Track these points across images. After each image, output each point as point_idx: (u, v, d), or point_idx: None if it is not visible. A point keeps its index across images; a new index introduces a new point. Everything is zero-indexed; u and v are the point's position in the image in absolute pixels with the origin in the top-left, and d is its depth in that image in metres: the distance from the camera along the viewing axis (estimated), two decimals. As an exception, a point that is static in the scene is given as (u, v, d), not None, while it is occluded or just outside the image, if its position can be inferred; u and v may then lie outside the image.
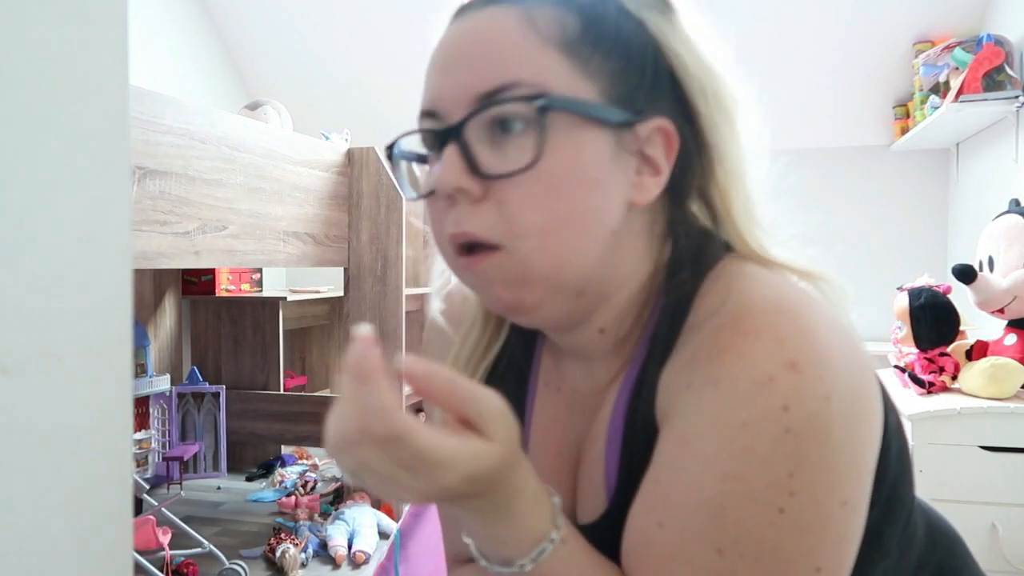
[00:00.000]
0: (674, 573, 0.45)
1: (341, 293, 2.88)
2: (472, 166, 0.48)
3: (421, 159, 0.55)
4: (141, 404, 2.81)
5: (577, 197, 0.47)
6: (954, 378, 2.00)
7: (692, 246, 0.53)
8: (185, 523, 2.15)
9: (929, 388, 1.96)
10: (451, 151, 0.48)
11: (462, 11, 0.53)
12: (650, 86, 0.50)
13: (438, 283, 0.66)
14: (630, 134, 0.49)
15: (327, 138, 2.64)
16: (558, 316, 0.52)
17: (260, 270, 3.36)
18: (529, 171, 0.46)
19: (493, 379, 0.63)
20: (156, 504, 2.16)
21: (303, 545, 2.24)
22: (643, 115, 0.50)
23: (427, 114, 0.52)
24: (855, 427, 0.45)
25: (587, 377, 0.58)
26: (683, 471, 0.46)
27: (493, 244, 0.48)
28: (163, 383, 2.88)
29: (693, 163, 0.53)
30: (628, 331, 0.54)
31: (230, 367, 3.16)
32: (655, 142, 0.51)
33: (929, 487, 1.78)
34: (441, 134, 0.50)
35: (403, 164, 0.56)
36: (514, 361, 0.63)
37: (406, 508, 1.35)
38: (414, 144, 0.55)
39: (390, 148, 0.56)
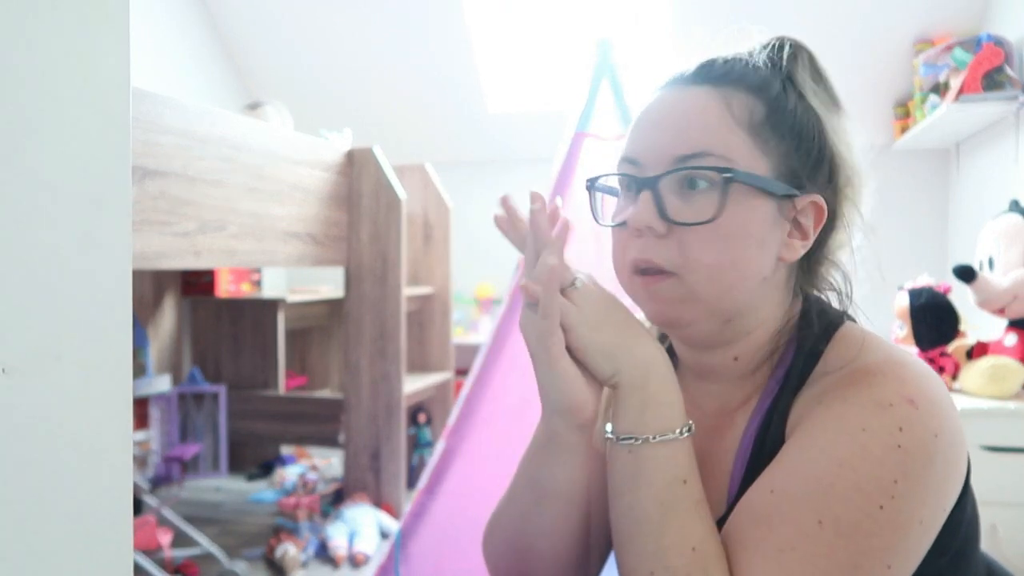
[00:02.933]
0: (773, 530, 0.53)
1: (341, 293, 2.88)
2: (662, 211, 0.60)
3: (612, 192, 0.68)
4: (141, 404, 2.81)
5: (741, 247, 0.60)
6: (954, 378, 2.00)
7: (818, 305, 0.66)
8: (185, 523, 2.15)
9: (929, 388, 1.95)
10: (647, 196, 0.61)
11: (673, 82, 0.65)
12: (813, 168, 0.62)
13: None
14: (789, 204, 0.61)
15: (327, 138, 2.64)
16: (703, 335, 0.65)
17: (260, 270, 3.35)
18: (709, 224, 0.59)
19: None
20: (156, 504, 2.16)
21: (303, 545, 2.24)
22: (803, 190, 0.61)
23: (629, 160, 0.64)
24: (949, 467, 0.54)
25: (715, 399, 0.68)
26: (803, 454, 0.55)
27: (669, 271, 0.60)
28: (163, 383, 2.88)
29: (829, 235, 0.65)
30: (758, 364, 0.65)
31: (230, 367, 3.16)
32: (808, 213, 0.63)
33: (929, 487, 1.77)
34: (640, 181, 0.62)
35: (599, 195, 0.69)
36: None
37: (407, 508, 1.35)
38: (611, 180, 0.67)
39: (592, 180, 0.68)
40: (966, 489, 0.59)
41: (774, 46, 0.65)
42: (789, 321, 0.65)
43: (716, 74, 0.63)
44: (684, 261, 0.60)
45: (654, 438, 0.57)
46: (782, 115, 0.61)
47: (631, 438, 0.57)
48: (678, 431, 0.57)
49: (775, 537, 0.53)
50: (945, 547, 0.57)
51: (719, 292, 0.60)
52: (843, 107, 0.66)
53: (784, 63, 0.64)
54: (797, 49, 0.65)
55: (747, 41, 0.67)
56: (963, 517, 0.59)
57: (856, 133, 0.66)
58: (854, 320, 0.66)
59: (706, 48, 0.66)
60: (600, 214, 0.68)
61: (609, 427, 0.60)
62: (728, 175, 0.58)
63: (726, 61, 0.64)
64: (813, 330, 0.63)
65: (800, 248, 0.63)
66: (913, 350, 2.04)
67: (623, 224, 0.63)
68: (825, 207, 0.63)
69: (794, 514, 0.53)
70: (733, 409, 0.67)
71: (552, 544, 0.67)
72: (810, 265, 0.67)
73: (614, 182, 0.67)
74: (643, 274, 0.62)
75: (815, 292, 0.68)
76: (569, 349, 0.59)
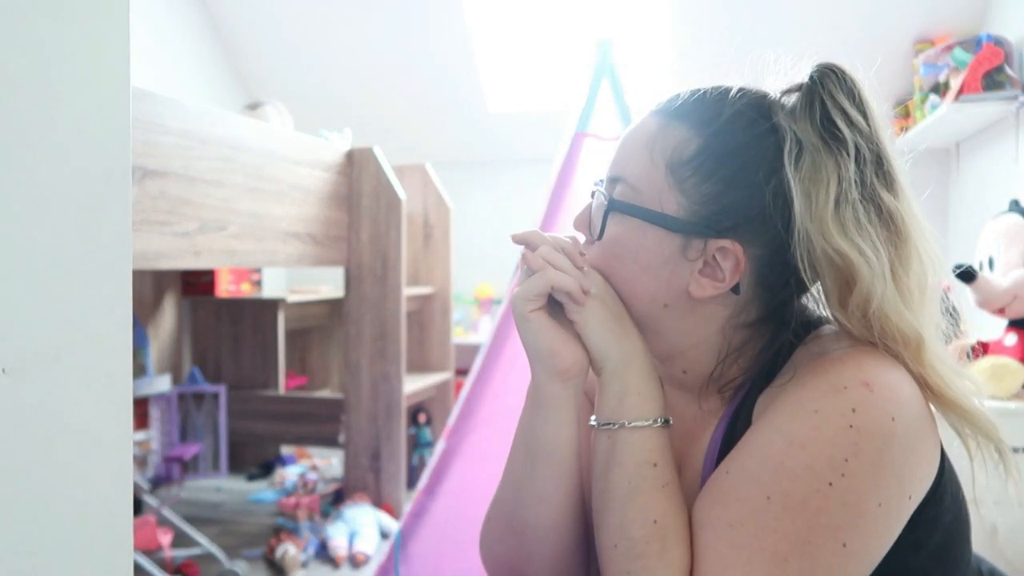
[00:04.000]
0: (726, 508, 0.55)
1: (341, 293, 2.88)
2: (587, 219, 0.69)
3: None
4: (141, 404, 2.81)
5: (624, 268, 0.65)
6: (954, 378, 2.00)
7: (785, 339, 0.65)
8: (185, 523, 2.15)
9: (929, 388, 1.95)
10: (590, 204, 0.70)
11: (651, 109, 0.68)
12: (749, 216, 0.61)
13: None
14: (698, 242, 0.62)
15: (326, 138, 2.64)
16: None
17: (260, 270, 3.35)
18: (598, 240, 0.66)
19: None
20: (156, 504, 2.16)
21: (303, 545, 2.24)
22: (721, 234, 0.61)
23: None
24: (909, 452, 0.55)
25: (688, 404, 0.70)
26: (758, 436, 0.58)
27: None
28: (163, 383, 2.88)
29: (788, 281, 0.64)
30: (707, 377, 0.67)
31: (230, 367, 3.16)
32: (726, 256, 0.62)
33: (929, 487, 1.77)
34: (593, 192, 0.70)
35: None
36: None
37: (407, 508, 1.35)
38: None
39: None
40: (942, 484, 0.59)
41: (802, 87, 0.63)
42: (744, 349, 0.65)
43: (673, 107, 0.65)
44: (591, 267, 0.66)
45: (629, 423, 0.61)
46: (717, 159, 0.61)
47: (610, 423, 0.62)
48: (651, 420, 0.61)
49: (726, 514, 0.55)
50: (922, 542, 0.58)
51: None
52: (875, 147, 0.61)
53: (782, 109, 0.63)
54: (820, 85, 0.61)
55: (775, 71, 0.66)
56: (940, 511, 0.59)
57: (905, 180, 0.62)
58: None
59: (719, 75, 0.68)
60: None
61: (594, 417, 0.65)
62: (607, 204, 0.65)
63: (694, 94, 0.65)
64: (780, 338, 0.64)
65: (711, 288, 0.62)
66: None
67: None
68: (743, 258, 0.61)
69: (745, 491, 0.55)
70: (706, 413, 0.69)
71: (548, 512, 0.67)
72: (775, 308, 0.65)
73: None
74: None
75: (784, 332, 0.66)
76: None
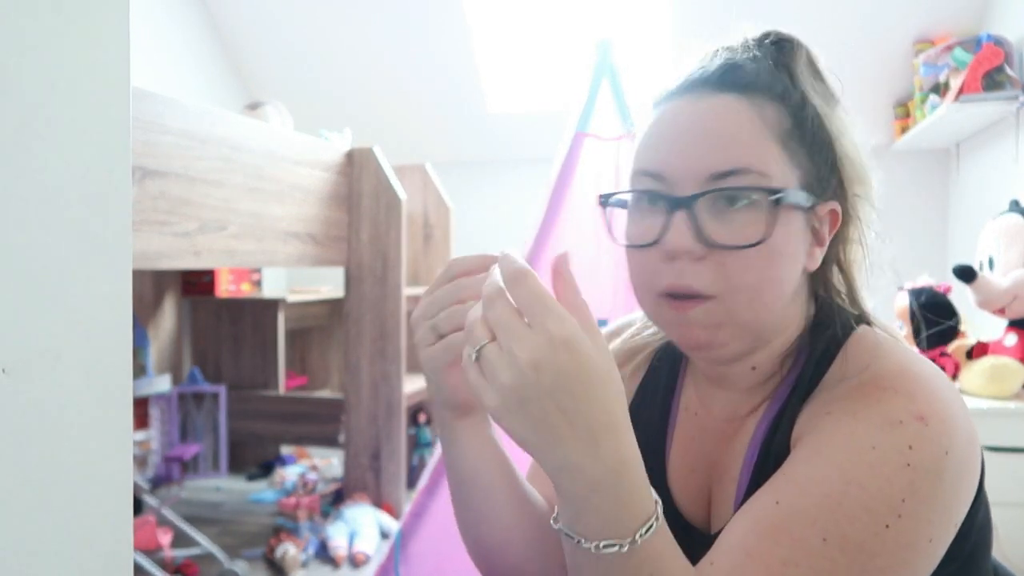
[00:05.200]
0: (778, 543, 0.51)
1: (341, 293, 2.88)
2: (699, 234, 0.57)
3: (624, 205, 0.64)
4: (141, 404, 2.81)
5: (782, 265, 0.58)
6: (954, 378, 2.00)
7: (832, 308, 0.63)
8: (185, 523, 2.15)
9: (929, 388, 1.95)
10: (682, 218, 0.57)
11: (693, 89, 0.60)
12: (828, 173, 0.61)
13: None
14: (813, 214, 0.60)
15: (327, 138, 2.64)
16: (732, 354, 0.62)
17: (260, 270, 3.35)
18: (755, 247, 0.56)
19: (642, 402, 0.73)
20: (156, 504, 2.16)
21: (303, 545, 2.24)
22: (822, 198, 0.60)
23: (652, 175, 0.60)
24: (959, 483, 0.53)
25: (727, 405, 0.67)
26: (810, 468, 0.53)
27: (708, 295, 0.57)
28: (163, 383, 2.88)
29: (840, 237, 0.63)
30: (773, 372, 0.64)
31: (230, 367, 3.16)
32: (825, 219, 0.61)
33: (929, 487, 1.77)
34: (673, 201, 0.58)
35: (614, 211, 0.65)
36: (659, 387, 0.73)
37: (407, 508, 1.35)
38: (624, 193, 0.63)
39: (607, 197, 0.64)
40: (979, 496, 0.58)
41: (774, 42, 0.63)
42: (804, 327, 0.64)
43: (744, 80, 0.59)
44: (726, 284, 0.57)
45: (595, 549, 0.48)
46: (805, 124, 0.59)
47: (571, 536, 0.49)
48: (622, 545, 0.47)
49: (779, 550, 0.51)
50: (955, 555, 0.56)
51: (757, 313, 0.58)
52: (840, 101, 0.64)
53: (789, 63, 0.62)
54: (795, 46, 0.63)
55: (738, 36, 0.64)
56: (974, 524, 0.58)
57: (856, 127, 0.64)
58: (869, 323, 0.64)
59: (699, 46, 0.64)
60: (614, 230, 0.64)
61: (555, 520, 0.51)
62: (778, 196, 0.56)
63: (753, 63, 0.60)
64: (826, 335, 0.62)
65: (820, 255, 0.62)
66: (913, 350, 2.04)
67: (651, 244, 0.59)
68: (840, 212, 0.62)
69: (800, 530, 0.51)
70: (744, 415, 0.65)
71: (491, 531, 0.66)
72: (821, 268, 0.64)
73: (628, 195, 0.63)
74: (676, 298, 0.58)
75: (827, 295, 0.66)
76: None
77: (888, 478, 0.51)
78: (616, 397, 0.46)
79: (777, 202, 0.56)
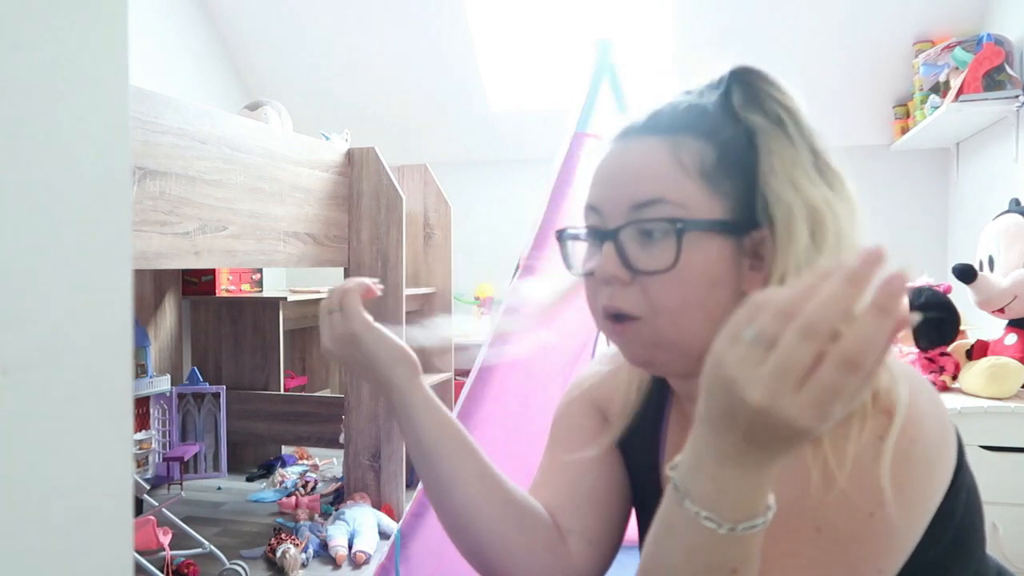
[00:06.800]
0: (773, 537, 0.53)
1: (341, 293, 2.88)
2: (625, 261, 0.62)
3: (577, 239, 0.71)
4: (141, 404, 2.81)
5: (702, 289, 0.61)
6: (954, 378, 2.00)
7: None
8: (185, 523, 2.15)
9: (929, 388, 1.95)
10: (609, 248, 0.63)
11: (625, 135, 0.67)
12: (763, 199, 0.62)
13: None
14: (748, 239, 0.62)
15: (327, 138, 2.64)
16: (678, 370, 0.66)
17: (260, 270, 3.35)
18: (668, 271, 0.60)
19: (641, 419, 0.77)
20: (157, 504, 2.16)
21: (303, 545, 2.24)
22: (755, 226, 0.61)
23: (592, 208, 0.67)
24: (930, 470, 0.57)
25: None
26: (794, 464, 0.55)
27: (635, 316, 0.62)
28: (163, 383, 2.88)
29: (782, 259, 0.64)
30: None
31: (230, 367, 3.16)
32: (766, 243, 0.62)
33: (929, 487, 1.77)
34: (601, 233, 0.65)
35: (569, 243, 0.71)
36: (650, 405, 0.77)
37: (407, 508, 1.35)
38: (576, 229, 0.70)
39: (561, 232, 0.71)
40: (958, 479, 0.60)
41: (730, 81, 0.65)
42: None
43: (664, 123, 0.64)
44: (649, 306, 0.61)
45: (727, 528, 0.47)
46: (733, 156, 0.62)
47: (697, 512, 0.48)
48: (759, 521, 0.48)
49: (778, 544, 0.55)
50: (938, 537, 0.59)
51: (684, 334, 0.61)
52: (802, 132, 0.63)
53: (734, 103, 0.64)
54: (746, 85, 0.65)
55: (703, 78, 0.67)
56: (955, 506, 0.61)
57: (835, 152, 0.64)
58: None
59: (658, 94, 0.68)
60: (572, 262, 0.71)
61: (674, 467, 0.51)
62: (679, 225, 0.60)
63: (674, 109, 0.65)
64: None
65: (759, 282, 0.62)
66: (913, 350, 2.05)
67: (590, 272, 0.66)
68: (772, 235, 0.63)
69: (795, 521, 0.55)
70: None
71: (464, 499, 0.72)
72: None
73: (581, 231, 0.70)
74: (614, 320, 0.64)
75: None
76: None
77: (866, 469, 0.55)
78: None
79: (680, 230, 0.60)
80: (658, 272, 0.61)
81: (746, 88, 0.64)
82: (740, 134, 0.63)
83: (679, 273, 0.60)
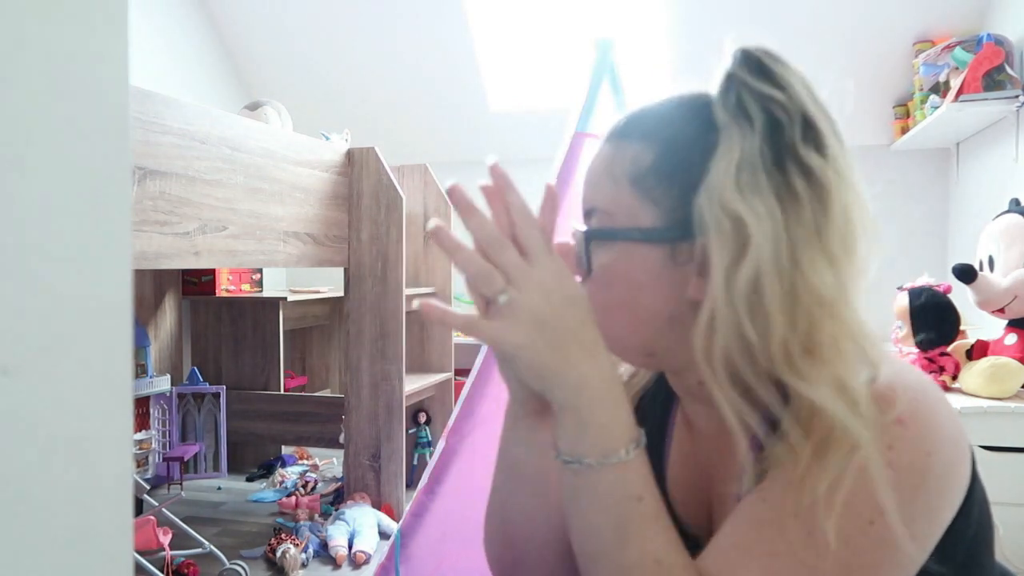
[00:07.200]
0: (762, 535, 0.54)
1: (341, 293, 2.88)
2: (579, 263, 0.64)
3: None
4: (141, 404, 2.81)
5: (624, 292, 0.62)
6: (954, 378, 2.00)
7: None
8: (185, 523, 2.15)
9: (929, 388, 1.95)
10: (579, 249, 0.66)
11: (607, 138, 0.67)
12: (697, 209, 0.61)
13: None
14: (686, 245, 0.60)
15: (327, 138, 2.64)
16: (640, 365, 0.70)
17: (260, 270, 3.35)
18: (588, 279, 0.63)
19: (646, 413, 0.76)
20: (157, 504, 2.16)
21: (303, 545, 2.24)
22: (695, 233, 0.58)
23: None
24: (944, 483, 0.55)
25: (710, 421, 0.68)
26: (795, 468, 0.55)
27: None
28: (163, 383, 2.88)
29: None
30: None
31: (230, 367, 3.16)
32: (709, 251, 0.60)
33: (929, 487, 1.77)
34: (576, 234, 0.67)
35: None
36: (656, 405, 0.77)
37: (407, 508, 1.35)
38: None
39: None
40: (971, 496, 0.59)
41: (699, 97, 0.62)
42: None
43: (616, 131, 0.66)
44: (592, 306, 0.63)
45: (598, 463, 0.54)
46: (672, 159, 0.60)
47: (574, 461, 0.55)
48: (623, 451, 0.54)
49: (765, 544, 0.54)
50: (950, 554, 0.57)
51: (614, 332, 0.62)
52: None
53: (716, 98, 0.61)
54: (724, 79, 0.60)
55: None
56: (968, 524, 0.59)
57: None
58: None
59: (649, 95, 0.68)
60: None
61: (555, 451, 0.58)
62: (584, 234, 0.63)
63: (631, 115, 0.65)
64: None
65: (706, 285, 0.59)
66: (913, 350, 2.04)
67: None
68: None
69: (786, 522, 0.54)
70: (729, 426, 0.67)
71: (534, 530, 0.68)
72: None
73: None
74: None
75: None
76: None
77: (871, 477, 0.52)
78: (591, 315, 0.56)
79: (588, 239, 0.63)
80: (584, 281, 0.64)
81: (730, 83, 0.60)
82: (696, 135, 0.59)
83: (599, 278, 0.63)
